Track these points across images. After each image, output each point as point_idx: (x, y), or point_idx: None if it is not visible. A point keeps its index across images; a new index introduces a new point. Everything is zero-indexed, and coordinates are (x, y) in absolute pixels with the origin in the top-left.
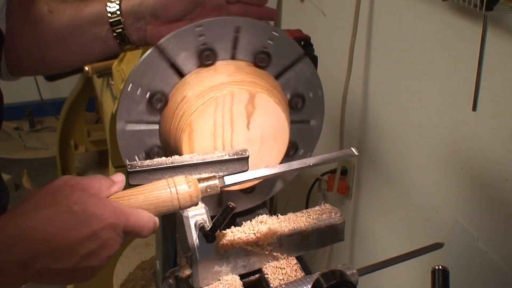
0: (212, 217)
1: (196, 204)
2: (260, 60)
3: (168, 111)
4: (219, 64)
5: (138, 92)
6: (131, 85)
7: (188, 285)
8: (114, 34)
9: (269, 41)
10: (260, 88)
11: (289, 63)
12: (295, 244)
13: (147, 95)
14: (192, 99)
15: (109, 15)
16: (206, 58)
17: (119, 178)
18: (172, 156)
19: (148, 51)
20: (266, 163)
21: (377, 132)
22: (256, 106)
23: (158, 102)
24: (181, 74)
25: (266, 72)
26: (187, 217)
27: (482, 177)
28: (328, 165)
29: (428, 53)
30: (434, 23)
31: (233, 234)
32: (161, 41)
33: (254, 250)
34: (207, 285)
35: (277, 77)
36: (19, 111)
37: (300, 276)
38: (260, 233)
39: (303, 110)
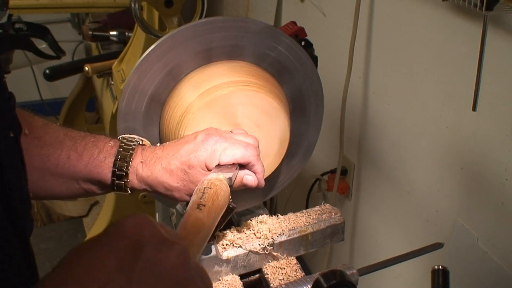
0: None
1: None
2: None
3: (167, 113)
4: (212, 65)
5: (137, 96)
6: (129, 89)
7: None
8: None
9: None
10: (241, 84)
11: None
12: (295, 244)
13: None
14: (188, 101)
15: (114, 179)
16: (202, 59)
17: None
18: None
19: (144, 55)
20: (277, 135)
21: (377, 132)
22: (238, 101)
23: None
24: (178, 75)
25: (258, 68)
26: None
27: (482, 177)
28: (328, 165)
29: (428, 53)
30: (434, 23)
31: (233, 234)
32: (156, 43)
33: (254, 250)
34: None
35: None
36: None
37: (300, 276)
38: (260, 233)
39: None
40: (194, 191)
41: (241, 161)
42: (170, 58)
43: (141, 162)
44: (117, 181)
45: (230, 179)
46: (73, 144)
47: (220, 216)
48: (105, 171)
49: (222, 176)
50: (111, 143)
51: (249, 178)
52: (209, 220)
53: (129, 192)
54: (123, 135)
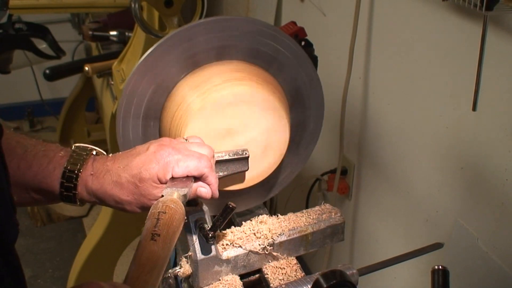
0: (212, 217)
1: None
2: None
3: (167, 114)
4: (209, 66)
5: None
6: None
7: (188, 285)
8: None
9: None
10: (242, 82)
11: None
12: (295, 244)
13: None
14: (188, 102)
15: (62, 190)
16: (197, 62)
17: None
18: None
19: (140, 61)
20: (276, 132)
21: (377, 132)
22: (236, 99)
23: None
24: (168, 87)
25: (255, 66)
26: (187, 217)
27: (482, 177)
28: (328, 165)
29: (428, 53)
30: (434, 23)
31: (233, 234)
32: (150, 51)
33: (254, 250)
34: (207, 285)
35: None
36: (19, 111)
37: (300, 276)
38: (260, 233)
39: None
40: (148, 216)
41: (195, 173)
42: (155, 73)
43: (91, 174)
44: (65, 193)
45: (185, 196)
46: (23, 153)
47: (176, 241)
48: (54, 182)
49: (176, 195)
50: (62, 153)
51: (203, 190)
52: (165, 250)
53: (78, 203)
54: (77, 144)
